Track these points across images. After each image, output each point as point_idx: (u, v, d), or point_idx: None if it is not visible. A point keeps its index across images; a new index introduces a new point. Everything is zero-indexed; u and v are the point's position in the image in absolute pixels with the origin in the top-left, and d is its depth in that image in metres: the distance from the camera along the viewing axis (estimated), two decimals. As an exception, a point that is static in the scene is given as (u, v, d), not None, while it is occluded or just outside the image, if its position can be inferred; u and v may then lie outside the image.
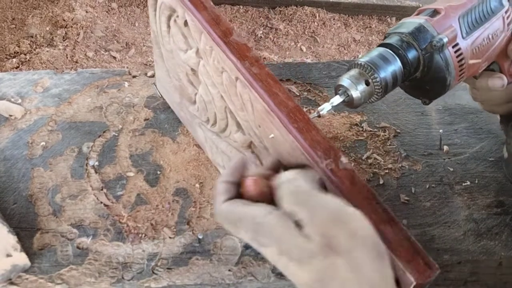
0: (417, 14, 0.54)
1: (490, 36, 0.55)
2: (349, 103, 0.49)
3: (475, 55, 0.54)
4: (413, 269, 0.38)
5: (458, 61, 0.52)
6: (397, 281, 0.40)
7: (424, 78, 0.53)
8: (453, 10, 0.53)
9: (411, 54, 0.51)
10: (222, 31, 0.50)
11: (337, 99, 0.49)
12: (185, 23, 0.55)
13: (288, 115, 0.44)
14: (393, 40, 0.51)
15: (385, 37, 0.53)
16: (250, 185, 0.41)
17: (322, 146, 0.43)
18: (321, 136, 0.43)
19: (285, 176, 0.40)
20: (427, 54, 0.51)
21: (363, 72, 0.49)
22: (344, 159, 0.42)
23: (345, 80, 0.49)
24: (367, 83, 0.49)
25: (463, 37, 0.53)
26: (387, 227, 0.39)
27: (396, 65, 0.50)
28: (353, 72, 0.49)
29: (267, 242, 0.38)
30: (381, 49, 0.51)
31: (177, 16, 0.57)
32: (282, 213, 0.38)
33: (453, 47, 0.52)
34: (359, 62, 0.49)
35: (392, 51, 0.50)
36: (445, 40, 0.50)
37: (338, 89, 0.50)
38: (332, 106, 0.48)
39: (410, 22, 0.52)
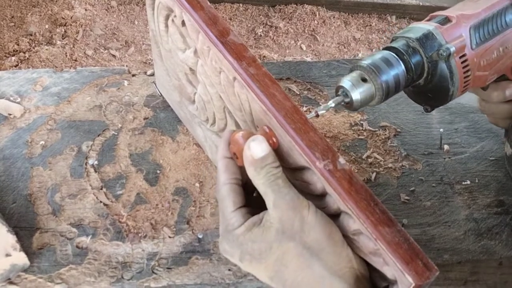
0: (429, 20, 0.53)
1: (501, 49, 0.53)
2: (349, 105, 0.49)
3: (482, 68, 0.53)
4: (412, 270, 0.38)
5: (464, 72, 0.51)
6: (396, 282, 0.40)
7: (427, 85, 0.52)
8: (465, 19, 0.52)
9: (416, 61, 0.50)
10: (219, 31, 0.49)
11: (336, 100, 0.48)
12: (183, 23, 0.55)
13: (286, 116, 0.44)
14: (399, 44, 0.50)
15: (392, 40, 0.52)
16: (239, 137, 0.44)
17: (320, 146, 0.43)
18: (318, 136, 0.43)
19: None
20: (432, 62, 0.50)
21: (364, 75, 0.48)
22: (342, 160, 0.42)
23: (346, 82, 0.48)
24: (368, 86, 0.48)
25: (472, 48, 0.51)
26: (385, 228, 0.39)
27: (399, 70, 0.49)
28: (355, 74, 0.49)
29: (229, 249, 0.43)
30: (386, 52, 0.50)
31: (175, 16, 0.56)
32: (249, 224, 0.42)
33: (460, 57, 0.50)
34: (361, 65, 0.48)
35: (397, 55, 0.49)
36: (452, 49, 0.49)
37: (338, 90, 0.49)
38: (331, 107, 0.48)
39: (419, 28, 0.51)
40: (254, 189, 0.45)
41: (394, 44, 0.51)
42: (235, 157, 0.45)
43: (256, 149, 0.43)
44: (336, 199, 0.42)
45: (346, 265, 0.41)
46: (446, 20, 0.52)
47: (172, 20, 0.58)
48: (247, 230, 0.42)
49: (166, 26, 0.60)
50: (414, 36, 0.50)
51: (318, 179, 0.43)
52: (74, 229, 0.59)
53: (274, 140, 0.45)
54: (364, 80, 0.48)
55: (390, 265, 0.40)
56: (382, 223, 0.39)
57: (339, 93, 0.49)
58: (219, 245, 0.45)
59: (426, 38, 0.50)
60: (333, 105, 0.48)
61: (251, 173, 0.43)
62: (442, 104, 0.54)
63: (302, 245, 0.41)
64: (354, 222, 0.41)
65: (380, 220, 0.40)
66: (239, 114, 0.52)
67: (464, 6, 0.54)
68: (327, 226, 0.41)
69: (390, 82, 0.48)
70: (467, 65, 0.51)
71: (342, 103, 0.49)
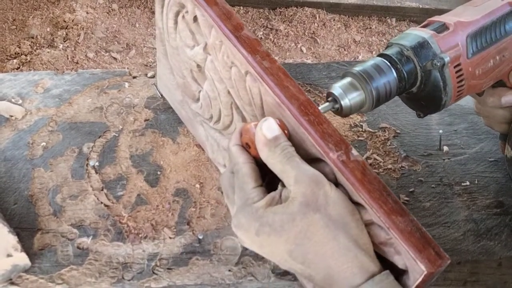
0: (426, 25, 0.52)
1: (498, 58, 0.52)
2: (339, 112, 0.49)
3: (477, 77, 0.52)
4: (424, 258, 0.38)
5: (458, 82, 0.50)
6: (406, 272, 0.41)
7: (420, 93, 0.51)
8: (463, 27, 0.50)
9: (409, 70, 0.49)
10: (233, 26, 0.50)
11: (326, 107, 0.48)
12: (195, 19, 0.56)
13: (299, 108, 0.44)
14: (392, 51, 0.50)
15: (387, 46, 0.52)
16: (251, 127, 0.45)
17: (333, 138, 0.43)
18: (332, 128, 0.44)
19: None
20: (425, 71, 0.49)
21: (355, 82, 0.48)
22: (355, 152, 0.43)
23: (336, 88, 0.48)
24: (359, 93, 0.48)
25: (467, 57, 0.50)
26: (398, 217, 0.40)
27: (390, 78, 0.48)
28: (346, 80, 0.49)
29: (245, 223, 0.42)
30: (378, 59, 0.49)
31: (186, 12, 0.57)
32: (269, 198, 0.43)
33: (454, 67, 0.50)
34: (352, 71, 0.48)
35: (390, 63, 0.49)
36: (447, 60, 0.48)
37: (329, 96, 0.49)
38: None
39: (415, 35, 0.50)
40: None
41: (387, 52, 0.50)
42: (247, 146, 0.46)
43: (268, 129, 0.43)
44: (349, 190, 0.42)
45: (367, 241, 0.42)
46: (443, 28, 0.51)
47: (183, 16, 0.58)
48: (268, 204, 0.42)
49: (176, 22, 0.60)
50: (409, 44, 0.49)
51: (330, 171, 0.43)
52: (75, 230, 0.59)
53: (285, 132, 0.45)
54: (354, 87, 0.48)
55: (402, 254, 0.40)
56: (395, 213, 0.40)
57: (329, 99, 0.49)
58: (232, 220, 0.44)
59: (421, 47, 0.49)
60: (322, 111, 0.48)
61: (265, 153, 0.43)
62: (434, 112, 0.53)
63: (327, 217, 0.41)
64: (366, 212, 0.42)
65: (393, 210, 0.40)
66: (249, 108, 0.52)
67: (463, 11, 0.53)
68: (348, 203, 0.42)
69: (380, 89, 0.48)
70: (461, 75, 0.50)
71: (332, 109, 0.48)
